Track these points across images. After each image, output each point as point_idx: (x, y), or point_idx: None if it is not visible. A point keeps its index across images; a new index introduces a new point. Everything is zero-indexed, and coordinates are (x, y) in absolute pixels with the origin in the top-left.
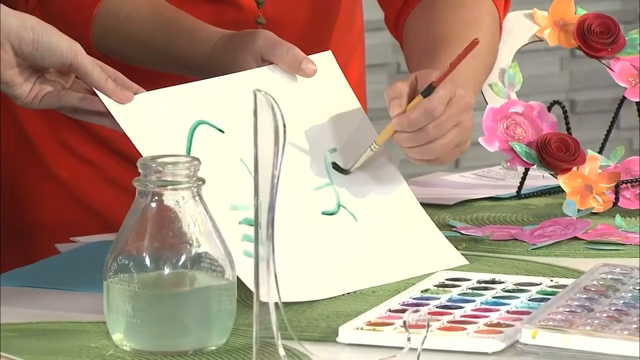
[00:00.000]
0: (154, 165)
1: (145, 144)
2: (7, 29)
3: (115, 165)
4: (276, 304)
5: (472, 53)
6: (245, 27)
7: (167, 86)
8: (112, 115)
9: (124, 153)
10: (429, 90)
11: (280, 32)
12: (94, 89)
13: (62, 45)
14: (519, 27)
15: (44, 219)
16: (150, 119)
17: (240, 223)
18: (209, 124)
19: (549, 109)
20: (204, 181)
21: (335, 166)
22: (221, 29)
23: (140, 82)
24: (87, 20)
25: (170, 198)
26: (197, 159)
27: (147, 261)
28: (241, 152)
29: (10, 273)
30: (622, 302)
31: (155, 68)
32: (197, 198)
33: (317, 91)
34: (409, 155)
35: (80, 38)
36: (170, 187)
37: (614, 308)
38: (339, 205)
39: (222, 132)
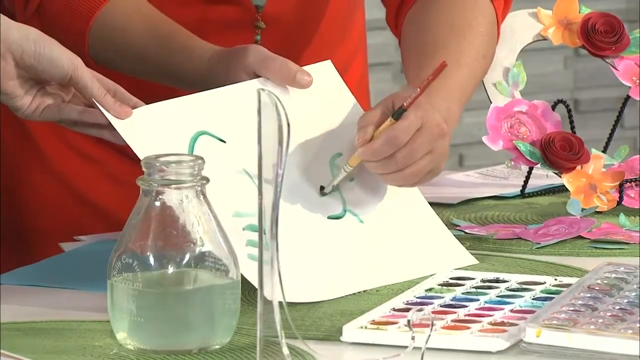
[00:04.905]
0: (157, 164)
1: (148, 155)
2: (9, 40)
3: (117, 161)
4: (280, 303)
5: (458, 62)
6: (246, 29)
7: (165, 97)
8: (112, 128)
9: (125, 150)
10: (399, 114)
11: (279, 35)
12: (94, 102)
13: (63, 58)
14: (523, 26)
15: (46, 216)
16: (151, 130)
17: (244, 229)
18: (210, 134)
19: (553, 108)
20: (207, 180)
21: (321, 189)
22: (214, 46)
23: (137, 93)
24: (84, 30)
25: (173, 197)
26: (201, 158)
27: (151, 260)
28: (243, 161)
29: (14, 272)
30: (626, 301)
31: (149, 80)
32: (200, 197)
33: (318, 99)
34: (382, 179)
35: (76, 47)
36: (173, 185)
37: (617, 307)
38: (345, 210)
39: (224, 142)
